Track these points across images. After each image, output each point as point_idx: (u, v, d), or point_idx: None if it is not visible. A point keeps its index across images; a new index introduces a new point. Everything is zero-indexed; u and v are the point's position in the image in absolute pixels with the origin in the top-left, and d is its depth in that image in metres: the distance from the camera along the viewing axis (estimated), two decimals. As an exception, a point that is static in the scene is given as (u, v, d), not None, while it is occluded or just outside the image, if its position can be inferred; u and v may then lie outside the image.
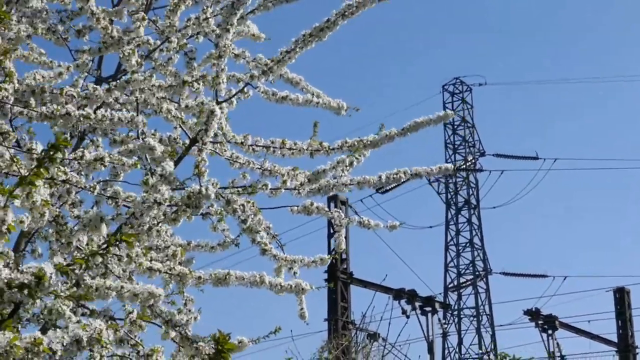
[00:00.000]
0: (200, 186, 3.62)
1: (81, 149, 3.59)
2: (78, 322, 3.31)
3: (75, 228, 3.68)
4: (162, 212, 3.62)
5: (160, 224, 3.67)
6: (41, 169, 3.11)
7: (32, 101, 3.57)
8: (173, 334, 3.80)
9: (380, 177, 4.70)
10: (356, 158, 4.60)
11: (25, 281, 2.95)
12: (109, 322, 3.58)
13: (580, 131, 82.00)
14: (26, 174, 3.15)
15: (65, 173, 3.53)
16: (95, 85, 3.97)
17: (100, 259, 3.18)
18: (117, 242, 3.22)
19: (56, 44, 4.34)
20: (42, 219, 3.40)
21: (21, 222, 3.51)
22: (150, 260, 3.79)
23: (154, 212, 3.57)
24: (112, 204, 3.76)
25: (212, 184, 4.24)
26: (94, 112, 3.71)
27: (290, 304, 4.81)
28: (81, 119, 3.62)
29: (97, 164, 3.56)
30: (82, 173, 3.81)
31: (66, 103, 3.75)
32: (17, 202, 3.17)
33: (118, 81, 3.96)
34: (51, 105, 3.63)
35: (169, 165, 3.65)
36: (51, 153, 3.11)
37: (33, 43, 4.37)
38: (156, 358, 3.73)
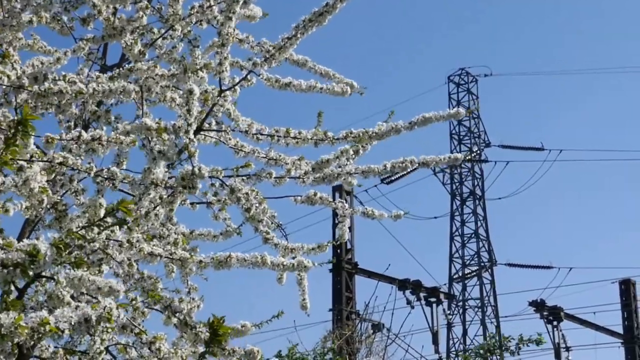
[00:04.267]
0: (193, 167, 3.61)
1: (78, 130, 3.56)
2: (77, 308, 3.30)
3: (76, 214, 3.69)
4: (158, 196, 3.61)
5: (157, 207, 3.66)
6: (11, 147, 3.06)
7: (26, 81, 3.54)
8: (175, 320, 3.80)
9: (385, 165, 4.64)
10: (362, 147, 4.55)
11: (19, 260, 2.90)
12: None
13: (586, 122, 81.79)
14: None
15: (64, 157, 3.50)
16: (98, 73, 3.96)
17: (97, 245, 3.17)
18: (115, 212, 3.18)
19: (61, 33, 4.32)
20: (40, 205, 3.39)
21: (27, 208, 3.51)
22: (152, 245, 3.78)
23: (151, 195, 3.55)
24: (109, 185, 3.74)
25: (216, 171, 4.23)
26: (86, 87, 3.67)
27: (294, 294, 4.80)
28: (74, 95, 3.58)
29: (95, 143, 3.51)
30: (82, 158, 3.78)
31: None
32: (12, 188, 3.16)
33: (121, 69, 3.94)
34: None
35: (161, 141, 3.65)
36: (20, 130, 3.06)
37: (36, 35, 4.36)
38: (159, 345, 3.74)
